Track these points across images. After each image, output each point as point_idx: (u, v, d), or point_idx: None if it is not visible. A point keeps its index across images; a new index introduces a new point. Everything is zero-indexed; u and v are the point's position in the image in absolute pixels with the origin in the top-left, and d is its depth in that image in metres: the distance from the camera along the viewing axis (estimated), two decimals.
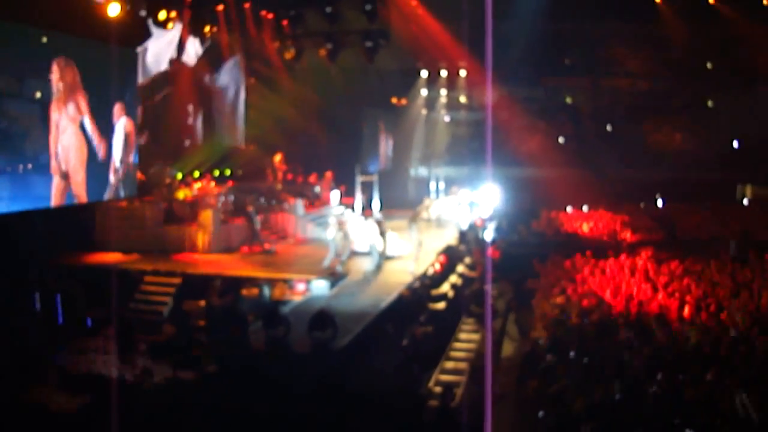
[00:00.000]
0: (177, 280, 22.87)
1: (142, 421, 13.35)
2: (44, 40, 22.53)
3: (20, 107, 21.84)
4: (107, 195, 25.76)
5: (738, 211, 46.87)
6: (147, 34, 29.18)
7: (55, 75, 22.81)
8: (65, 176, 23.48)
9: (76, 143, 23.91)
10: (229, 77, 36.15)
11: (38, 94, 22.45)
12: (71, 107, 23.55)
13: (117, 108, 25.82)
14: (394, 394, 16.79)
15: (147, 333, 20.32)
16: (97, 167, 24.93)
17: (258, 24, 34.43)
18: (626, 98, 53.91)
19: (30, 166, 22.13)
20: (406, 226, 29.30)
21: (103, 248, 25.67)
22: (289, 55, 36.03)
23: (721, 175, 49.18)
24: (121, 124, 26.08)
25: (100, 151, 25.12)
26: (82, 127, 24.19)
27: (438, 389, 17.76)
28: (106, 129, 25.43)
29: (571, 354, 18.76)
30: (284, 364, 16.54)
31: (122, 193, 26.46)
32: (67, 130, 23.44)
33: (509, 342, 23.82)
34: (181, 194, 28.30)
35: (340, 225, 25.67)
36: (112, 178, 25.86)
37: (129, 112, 26.53)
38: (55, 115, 22.99)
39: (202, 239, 26.43)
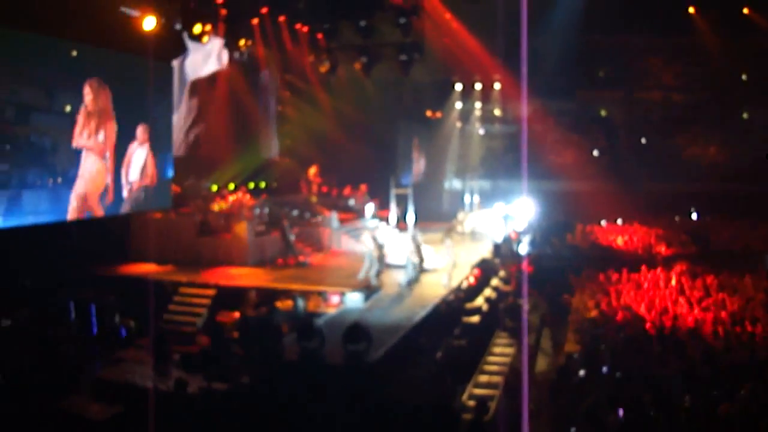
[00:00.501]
0: (211, 292, 22.98)
1: (175, 429, 13.42)
2: (74, 53, 22.44)
3: (49, 121, 21.76)
4: (122, 210, 25.58)
5: None
6: (183, 48, 29.32)
7: (87, 97, 22.76)
8: (86, 191, 23.38)
9: (100, 160, 23.84)
10: (263, 90, 36.28)
11: (68, 108, 22.35)
12: (99, 127, 23.54)
13: (140, 130, 25.52)
14: (428, 407, 16.78)
15: (181, 344, 20.42)
16: (115, 183, 24.78)
17: (293, 37, 34.52)
18: (660, 111, 53.65)
19: (60, 180, 22.14)
20: (440, 240, 29.30)
21: (139, 259, 25.83)
22: (323, 68, 36.11)
23: (756, 187, 48.80)
24: (144, 148, 25.92)
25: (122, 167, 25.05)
26: (108, 145, 24.15)
27: (472, 403, 17.70)
28: (125, 146, 25.28)
29: (605, 369, 18.67)
30: (318, 376, 16.58)
31: (130, 208, 26.06)
32: (92, 148, 23.41)
33: (543, 357, 23.71)
34: (216, 206, 28.41)
35: (375, 238, 25.70)
36: (125, 193, 25.61)
37: (153, 135, 26.27)
38: (83, 132, 22.98)
39: (236, 251, 26.54)
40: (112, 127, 23.95)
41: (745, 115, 52.42)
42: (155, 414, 14.01)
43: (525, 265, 31.39)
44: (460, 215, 39.82)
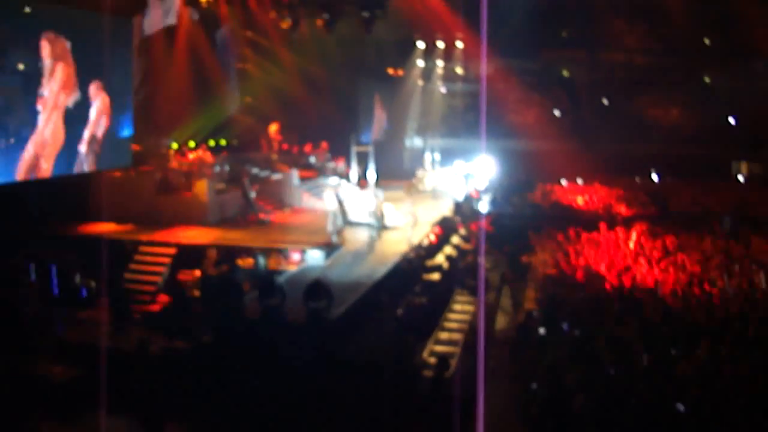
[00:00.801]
0: (172, 251, 22.85)
1: (138, 391, 13.41)
2: (27, 10, 21.99)
3: (2, 80, 21.35)
4: (75, 169, 25.26)
5: (733, 187, 47.03)
6: (143, 4, 28.98)
7: (45, 50, 22.39)
8: (39, 151, 23.06)
9: (56, 119, 23.54)
10: (224, 47, 35.94)
11: (21, 66, 21.99)
12: (57, 83, 23.20)
13: (95, 87, 25.07)
14: (389, 364, 16.88)
15: (142, 303, 20.39)
16: (68, 141, 24.44)
17: None
18: (623, 72, 53.86)
19: (12, 140, 21.81)
20: (401, 197, 29.36)
21: (99, 219, 25.49)
22: (285, 24, 35.85)
23: (716, 151, 49.25)
24: (98, 101, 25.57)
25: (76, 126, 24.73)
26: (65, 103, 23.80)
27: (432, 360, 17.82)
28: (84, 104, 24.89)
29: (564, 327, 18.83)
30: (279, 333, 16.61)
31: (86, 168, 25.81)
32: (50, 104, 23.08)
33: (503, 315, 23.86)
34: (176, 164, 28.23)
35: (337, 195, 25.68)
36: (82, 150, 25.33)
37: (110, 93, 25.89)
38: (44, 90, 22.65)
39: (197, 209, 26.37)
40: (70, 84, 23.65)
41: (707, 79, 52.73)
42: (116, 374, 14.00)
43: (485, 224, 31.53)
44: (420, 173, 39.85)
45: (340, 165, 36.53)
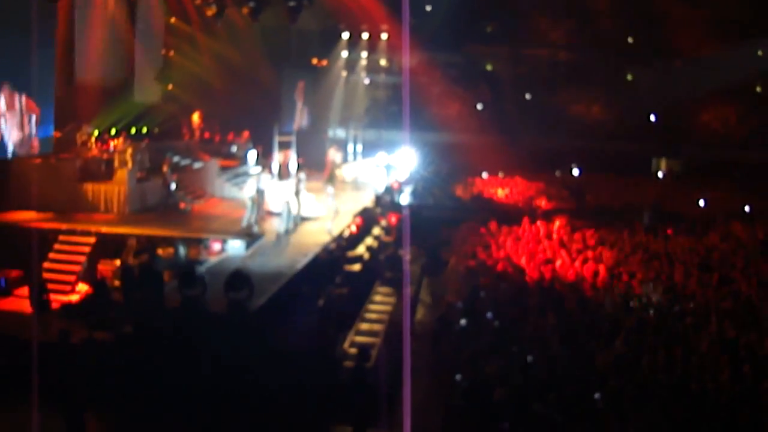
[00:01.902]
0: (92, 240, 22.57)
1: (60, 383, 13.31)
2: None
3: None
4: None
5: (652, 183, 47.90)
6: None
7: None
8: None
9: None
10: (147, 33, 35.53)
11: None
12: None
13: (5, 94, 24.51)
14: (310, 354, 16.96)
15: (62, 293, 20.15)
16: None
17: None
18: (546, 68, 54.48)
19: None
20: (322, 187, 29.40)
21: (18, 207, 25.04)
22: (210, 12, 35.50)
23: (637, 147, 50.10)
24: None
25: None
26: None
27: (353, 350, 17.94)
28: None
29: (489, 316, 19.09)
30: (200, 323, 16.59)
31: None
32: None
33: (423, 308, 24.07)
34: (97, 152, 27.88)
35: (257, 185, 25.57)
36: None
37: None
38: None
39: (117, 198, 26.08)
40: None
41: (629, 77, 53.56)
42: (37, 365, 13.86)
43: (406, 216, 31.70)
44: (333, 157, 39.72)
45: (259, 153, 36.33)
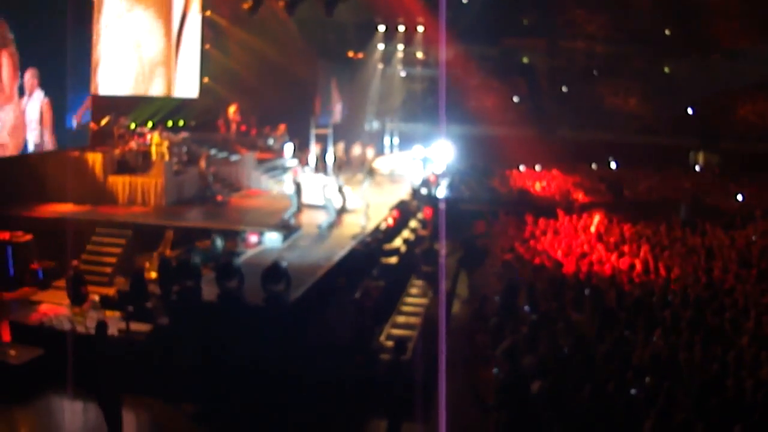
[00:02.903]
0: (129, 232, 22.70)
1: (96, 374, 13.34)
2: None
3: None
4: (32, 149, 24.62)
5: (690, 177, 47.52)
6: None
7: None
8: None
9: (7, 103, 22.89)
10: (185, 27, 35.59)
11: None
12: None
13: (30, 75, 23.71)
14: (347, 347, 16.92)
15: (99, 285, 20.25)
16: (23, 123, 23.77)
17: None
18: (583, 60, 54.13)
19: None
20: (359, 180, 29.36)
21: (56, 199, 25.15)
22: (246, 5, 35.50)
23: (674, 140, 49.73)
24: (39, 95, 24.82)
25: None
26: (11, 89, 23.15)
27: (390, 343, 17.86)
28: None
29: (526, 309, 18.98)
30: (238, 316, 16.59)
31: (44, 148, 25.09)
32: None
33: (459, 302, 23.96)
34: (134, 145, 27.98)
35: (295, 178, 25.57)
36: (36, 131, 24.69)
37: (51, 79, 24.75)
38: None
39: (154, 190, 26.19)
40: (11, 66, 23.00)
41: (666, 69, 53.14)
42: (74, 356, 13.92)
43: (442, 209, 31.61)
44: (370, 156, 39.63)
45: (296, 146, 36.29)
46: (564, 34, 53.54)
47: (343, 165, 31.84)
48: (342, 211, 26.69)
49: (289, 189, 25.19)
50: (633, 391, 14.07)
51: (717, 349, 16.68)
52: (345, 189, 27.55)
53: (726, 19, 49.42)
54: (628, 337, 17.32)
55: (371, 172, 30.95)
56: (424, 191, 34.95)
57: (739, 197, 40.53)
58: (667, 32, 51.83)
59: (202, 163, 27.99)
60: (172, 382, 14.85)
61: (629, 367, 15.24)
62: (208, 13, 37.08)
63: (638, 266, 24.26)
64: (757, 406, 13.69)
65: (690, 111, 52.20)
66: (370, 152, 39.89)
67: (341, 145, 34.33)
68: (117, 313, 17.71)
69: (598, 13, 52.95)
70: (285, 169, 30.69)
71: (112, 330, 15.96)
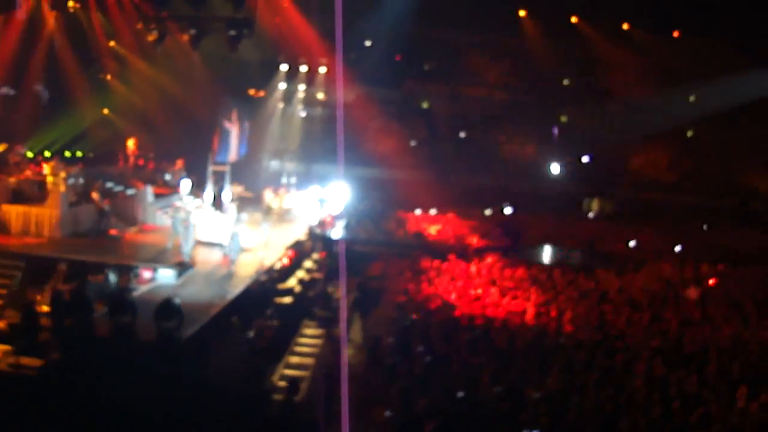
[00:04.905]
0: (21, 263, 22.38)
1: None
2: None
3: None
4: None
5: (584, 223, 48.55)
6: (12, 5, 28.26)
7: None
8: None
9: None
10: (87, 57, 35.31)
11: None
12: None
13: None
14: (239, 386, 16.92)
15: None
16: None
17: (121, 3, 33.87)
18: (481, 107, 54.94)
19: None
20: (256, 219, 29.39)
21: None
22: (151, 37, 35.38)
23: (570, 187, 50.75)
24: None
25: None
26: None
27: (283, 383, 17.94)
28: None
29: (421, 349, 19.23)
30: (130, 352, 16.47)
31: None
32: None
33: (353, 347, 24.11)
34: (30, 174, 27.61)
35: (185, 214, 25.49)
36: None
37: None
38: None
39: (49, 222, 25.84)
40: None
41: (563, 119, 54.27)
42: None
43: (338, 250, 31.79)
44: (267, 195, 39.62)
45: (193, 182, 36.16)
46: (464, 80, 54.32)
47: (239, 203, 31.70)
48: (240, 249, 26.69)
49: (178, 225, 25.14)
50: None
51: (610, 390, 17.19)
52: (242, 227, 27.55)
53: (622, 70, 50.82)
54: (522, 378, 17.70)
55: (268, 211, 30.96)
56: (319, 232, 35.08)
57: (632, 243, 41.63)
58: (565, 82, 53.02)
59: (95, 195, 27.71)
60: (63, 419, 14.68)
61: (522, 408, 15.58)
62: (112, 43, 36.85)
63: (530, 309, 24.77)
64: None
65: (586, 159, 53.33)
66: (268, 191, 39.92)
67: (239, 184, 34.24)
68: (7, 347, 17.46)
69: (498, 61, 53.94)
70: (179, 205, 30.61)
71: (2, 364, 15.75)
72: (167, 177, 35.96)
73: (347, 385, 18.25)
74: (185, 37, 35.19)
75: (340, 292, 25.06)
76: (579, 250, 36.57)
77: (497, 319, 23.89)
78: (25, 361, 16.60)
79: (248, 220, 28.47)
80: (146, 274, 23.02)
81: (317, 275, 28.89)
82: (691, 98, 50.55)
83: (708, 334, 23.92)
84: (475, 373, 17.86)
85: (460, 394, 16.23)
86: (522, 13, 47.78)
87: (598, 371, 18.81)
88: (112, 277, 22.07)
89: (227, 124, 44.69)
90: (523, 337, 21.80)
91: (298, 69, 48.58)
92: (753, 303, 28.11)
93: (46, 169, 27.77)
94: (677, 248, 40.64)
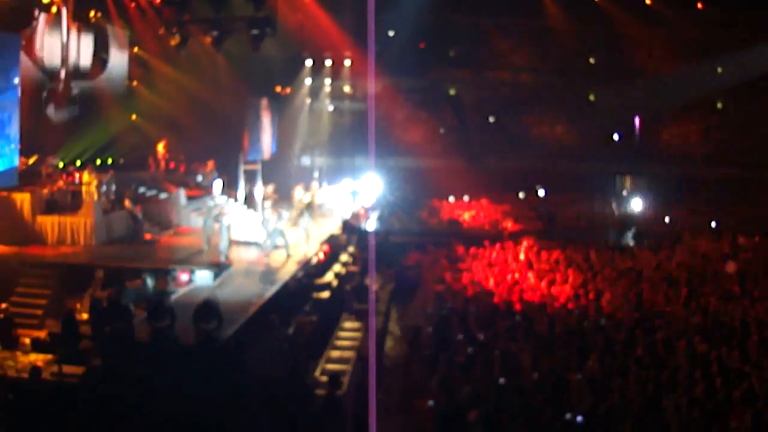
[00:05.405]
0: (59, 273, 22.49)
1: (30, 418, 13.24)
2: None
3: None
4: None
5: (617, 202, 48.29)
6: (30, 18, 28.37)
7: None
8: None
9: None
10: (113, 65, 35.38)
11: None
12: None
13: None
14: (281, 383, 16.94)
15: (29, 328, 20.02)
16: None
17: (143, 10, 33.97)
18: (509, 90, 54.69)
19: None
20: (290, 216, 29.41)
21: None
22: (174, 41, 35.39)
23: (600, 166, 50.42)
24: None
25: None
26: None
27: (324, 378, 17.93)
28: None
29: (457, 339, 19.17)
30: (170, 356, 16.52)
31: None
32: None
33: (392, 339, 24.08)
34: (63, 183, 27.76)
35: (219, 214, 25.57)
36: None
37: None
38: None
39: (84, 230, 25.97)
40: None
41: (591, 97, 53.92)
42: (6, 402, 13.79)
43: (372, 242, 31.79)
44: (298, 192, 39.60)
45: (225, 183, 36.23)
46: (490, 64, 54.09)
47: (272, 201, 31.75)
48: (275, 246, 26.71)
49: (206, 225, 25.22)
50: (568, 417, 14.31)
51: (651, 370, 17.05)
52: (280, 224, 27.58)
53: (648, 46, 50.49)
54: (563, 362, 17.60)
55: (307, 207, 31.01)
56: (353, 225, 35.06)
57: (666, 220, 41.35)
58: (591, 61, 52.68)
59: (127, 202, 27.85)
60: (108, 426, 14.75)
61: (564, 393, 15.50)
62: (136, 49, 36.95)
63: (568, 292, 24.63)
64: (693, 424, 14.03)
65: (616, 137, 53.00)
66: (298, 188, 39.95)
67: (269, 184, 34.24)
68: (49, 356, 17.57)
69: (523, 43, 53.70)
70: (214, 206, 30.62)
71: (45, 373, 15.85)
72: (199, 179, 35.99)
73: (387, 376, 18.25)
74: (208, 39, 35.22)
75: (374, 285, 25.03)
76: (614, 229, 36.35)
77: (535, 304, 23.77)
78: (68, 369, 16.68)
79: (289, 218, 28.52)
80: (183, 276, 23.05)
81: (353, 268, 28.87)
82: (719, 70, 50.00)
83: (748, 307, 23.69)
84: (515, 360, 17.78)
85: (502, 381, 16.17)
86: None
87: (639, 351, 18.66)
88: (150, 282, 22.19)
89: (262, 113, 44.61)
90: (562, 321, 21.66)
91: (323, 63, 48.58)
92: None
93: (85, 177, 27.88)
94: (713, 223, 40.33)
